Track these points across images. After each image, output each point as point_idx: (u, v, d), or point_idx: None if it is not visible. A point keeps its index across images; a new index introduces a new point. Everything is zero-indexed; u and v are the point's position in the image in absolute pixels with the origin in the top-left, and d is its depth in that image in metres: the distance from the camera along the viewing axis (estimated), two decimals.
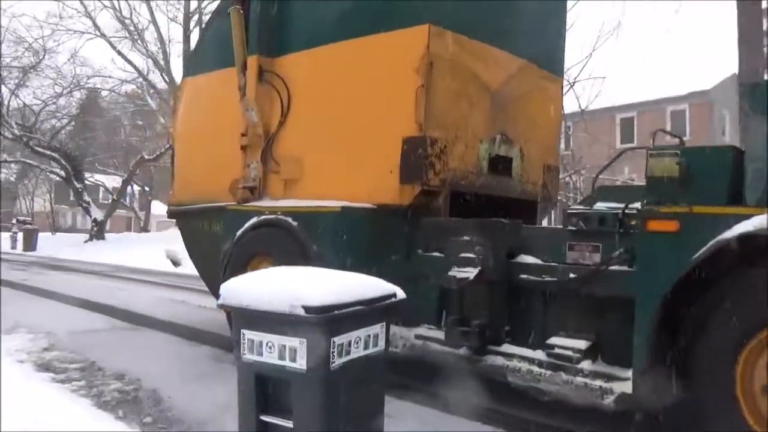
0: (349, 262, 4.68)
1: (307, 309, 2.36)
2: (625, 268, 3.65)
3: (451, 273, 4.19)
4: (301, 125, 5.45)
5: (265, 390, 2.54)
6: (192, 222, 6.48)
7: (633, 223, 3.52)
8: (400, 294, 2.84)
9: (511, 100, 5.32)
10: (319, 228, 4.82)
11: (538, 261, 4.14)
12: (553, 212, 5.87)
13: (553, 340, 3.94)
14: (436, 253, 4.65)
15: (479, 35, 4.97)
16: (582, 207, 4.09)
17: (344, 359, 2.49)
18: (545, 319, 4.12)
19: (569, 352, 3.82)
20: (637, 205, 3.66)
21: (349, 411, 2.55)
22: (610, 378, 3.62)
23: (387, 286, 2.81)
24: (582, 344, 3.83)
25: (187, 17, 26.99)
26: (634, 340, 3.29)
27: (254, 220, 5.30)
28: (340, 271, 2.95)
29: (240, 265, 5.27)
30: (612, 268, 3.68)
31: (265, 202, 5.54)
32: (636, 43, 33.73)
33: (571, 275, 3.88)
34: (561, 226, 4.15)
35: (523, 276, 4.12)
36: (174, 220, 7.11)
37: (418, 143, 4.59)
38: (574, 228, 3.95)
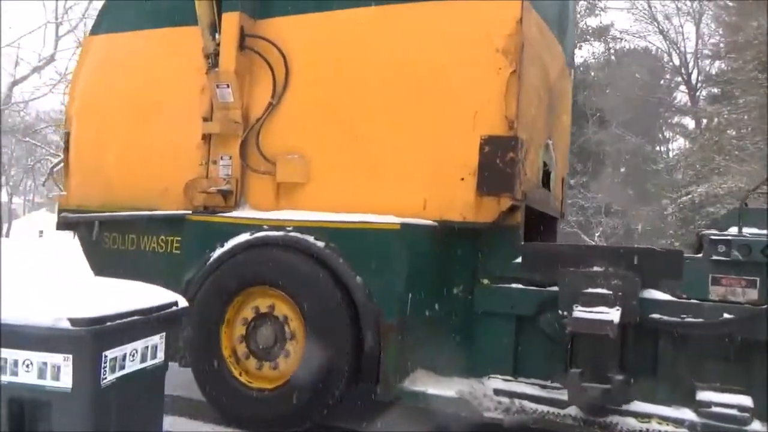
0: (409, 297, 3.54)
1: (73, 321, 2.16)
2: None
3: (577, 314, 3.27)
4: (308, 112, 4.08)
5: (19, 416, 2.26)
6: (106, 237, 4.62)
7: None
8: (182, 302, 2.64)
9: (555, 102, 4.56)
10: (366, 252, 3.55)
11: (669, 297, 3.41)
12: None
13: (706, 396, 3.22)
14: (516, 286, 3.70)
15: (548, 21, 4.14)
16: (720, 232, 3.43)
17: (117, 374, 2.31)
18: (677, 368, 3.39)
19: (733, 411, 3.14)
20: None
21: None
22: None
23: (167, 294, 2.63)
24: (746, 400, 3.17)
25: None
26: None
27: (245, 236, 3.82)
28: (112, 279, 2.70)
29: (219, 301, 3.77)
30: None
31: (254, 213, 4.07)
32: None
33: (726, 315, 3.21)
34: (700, 255, 3.45)
35: (655, 316, 3.36)
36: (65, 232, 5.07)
37: (507, 145, 3.58)
38: (726, 258, 3.30)
